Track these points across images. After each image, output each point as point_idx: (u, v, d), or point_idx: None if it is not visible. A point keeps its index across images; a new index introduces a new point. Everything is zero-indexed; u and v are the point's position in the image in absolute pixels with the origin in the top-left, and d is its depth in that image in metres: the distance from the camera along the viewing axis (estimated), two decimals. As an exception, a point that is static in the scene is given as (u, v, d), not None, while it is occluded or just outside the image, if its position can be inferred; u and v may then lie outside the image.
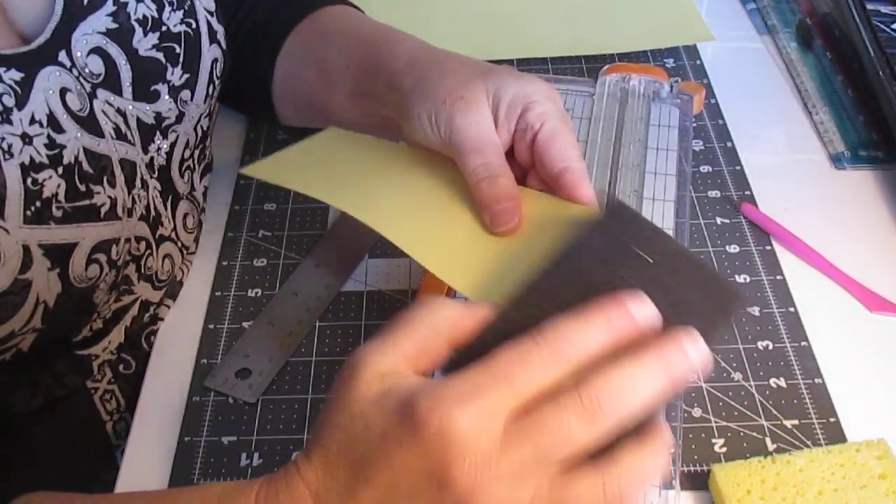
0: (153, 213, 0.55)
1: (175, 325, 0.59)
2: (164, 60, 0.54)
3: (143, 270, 0.56)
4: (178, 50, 0.55)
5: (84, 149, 0.48)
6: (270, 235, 0.65)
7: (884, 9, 0.80)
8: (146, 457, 0.52)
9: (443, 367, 0.36)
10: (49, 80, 0.46)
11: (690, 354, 0.35)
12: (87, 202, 0.47)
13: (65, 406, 0.55)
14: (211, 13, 0.58)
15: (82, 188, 0.47)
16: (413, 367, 0.35)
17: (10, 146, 0.43)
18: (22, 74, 0.45)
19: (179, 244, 0.60)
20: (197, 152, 0.60)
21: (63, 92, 0.47)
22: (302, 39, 0.63)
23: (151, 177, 0.55)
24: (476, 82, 0.49)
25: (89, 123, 0.49)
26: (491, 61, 0.77)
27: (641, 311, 0.36)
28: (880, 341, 0.56)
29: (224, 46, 0.59)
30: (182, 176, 0.59)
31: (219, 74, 0.59)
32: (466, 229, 0.47)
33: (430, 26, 0.84)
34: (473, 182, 0.47)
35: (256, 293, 0.61)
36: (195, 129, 0.58)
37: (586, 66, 0.79)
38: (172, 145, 0.56)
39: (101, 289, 0.50)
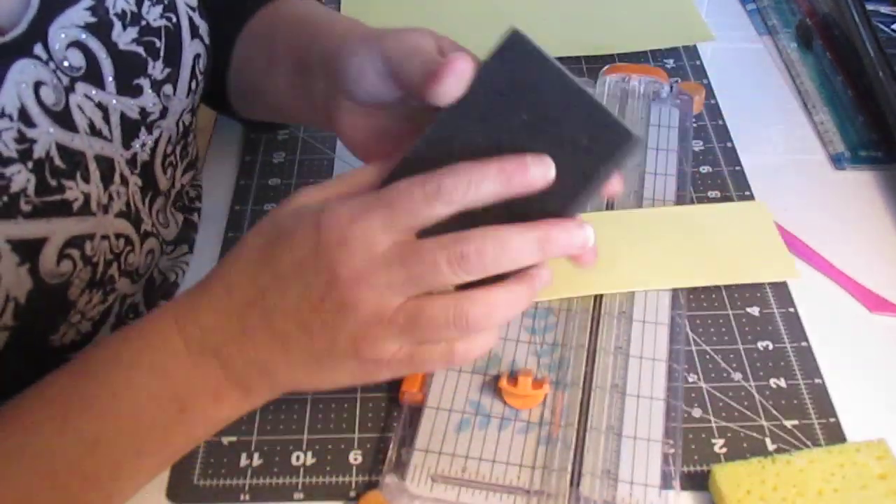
0: (133, 209, 0.55)
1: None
2: (144, 54, 0.54)
3: (123, 267, 0.56)
4: (158, 44, 0.55)
5: (57, 144, 0.47)
6: (270, 236, 0.65)
7: (884, 9, 0.81)
8: (146, 457, 0.52)
9: None
10: (23, 72, 0.46)
11: (574, 237, 0.40)
12: (58, 197, 0.47)
13: None
14: (193, 8, 0.58)
15: (53, 183, 0.47)
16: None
17: None
18: None
19: (160, 239, 0.60)
20: (179, 148, 0.60)
21: (37, 85, 0.47)
22: (257, 27, 0.63)
23: (133, 173, 0.54)
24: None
25: (63, 118, 0.48)
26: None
27: (542, 172, 0.40)
28: (880, 341, 0.56)
29: (207, 42, 0.59)
30: (165, 172, 0.59)
31: (201, 69, 0.59)
32: None
33: (431, 26, 0.84)
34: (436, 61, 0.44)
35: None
36: (177, 124, 0.58)
37: (586, 67, 0.79)
38: (156, 141, 0.56)
39: (76, 285, 0.50)
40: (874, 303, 0.58)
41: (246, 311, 0.42)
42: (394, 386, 0.54)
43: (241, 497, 0.49)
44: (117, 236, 0.53)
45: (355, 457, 0.51)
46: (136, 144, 0.54)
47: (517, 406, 0.51)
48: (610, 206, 0.62)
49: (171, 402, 0.43)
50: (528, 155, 0.40)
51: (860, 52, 0.72)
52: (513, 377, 0.51)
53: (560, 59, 0.80)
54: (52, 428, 0.41)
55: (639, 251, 0.59)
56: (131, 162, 0.54)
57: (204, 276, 0.45)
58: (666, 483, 0.48)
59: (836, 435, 0.51)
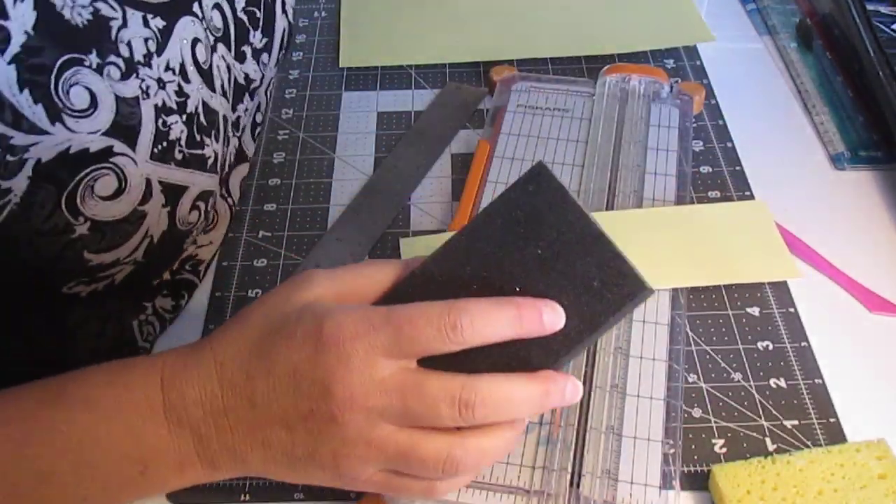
0: (225, 170, 0.58)
1: (175, 326, 0.59)
2: (247, 23, 0.57)
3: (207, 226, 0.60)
4: (258, 14, 0.58)
5: (203, 101, 0.51)
6: (270, 236, 0.65)
7: (884, 9, 0.80)
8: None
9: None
10: (186, 29, 0.50)
11: (568, 395, 0.41)
12: (199, 152, 0.51)
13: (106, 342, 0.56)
14: None
15: (198, 138, 0.51)
16: (341, 301, 0.41)
17: (148, 87, 0.48)
18: (164, 23, 0.49)
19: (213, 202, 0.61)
20: (259, 115, 0.63)
21: (195, 42, 0.51)
22: None
23: (234, 135, 0.58)
24: None
25: (208, 77, 0.52)
26: (492, 62, 0.78)
27: (553, 321, 0.39)
28: (880, 341, 0.56)
29: (290, 19, 0.63)
30: (253, 138, 0.62)
31: (285, 43, 0.63)
32: None
33: (431, 27, 0.84)
34: None
35: (256, 294, 0.61)
36: (266, 92, 0.61)
37: (586, 67, 0.79)
38: (256, 107, 0.60)
39: (193, 235, 0.54)
40: (874, 303, 0.58)
41: (232, 397, 0.40)
42: (394, 386, 0.54)
43: (241, 497, 0.49)
44: (215, 194, 0.57)
45: (355, 457, 0.50)
46: (241, 109, 0.58)
47: (517, 406, 0.51)
48: (610, 206, 0.62)
49: (135, 462, 0.41)
50: (543, 302, 0.39)
51: (860, 52, 0.72)
52: (513, 377, 0.51)
53: (560, 59, 0.81)
54: (7, 450, 0.40)
55: (639, 251, 0.59)
56: (235, 125, 0.57)
57: (200, 339, 0.43)
58: (666, 483, 0.48)
59: (836, 435, 0.51)
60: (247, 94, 0.58)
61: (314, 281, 0.42)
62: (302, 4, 0.89)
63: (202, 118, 0.52)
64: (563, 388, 0.40)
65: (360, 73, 0.79)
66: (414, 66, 0.80)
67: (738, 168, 0.68)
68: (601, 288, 0.39)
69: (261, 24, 0.59)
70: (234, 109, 0.57)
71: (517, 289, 0.40)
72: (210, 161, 0.53)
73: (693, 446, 0.50)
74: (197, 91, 0.51)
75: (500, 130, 0.69)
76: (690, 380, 0.54)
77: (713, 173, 0.68)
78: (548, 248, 0.39)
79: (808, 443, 0.50)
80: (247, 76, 0.58)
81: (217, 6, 0.54)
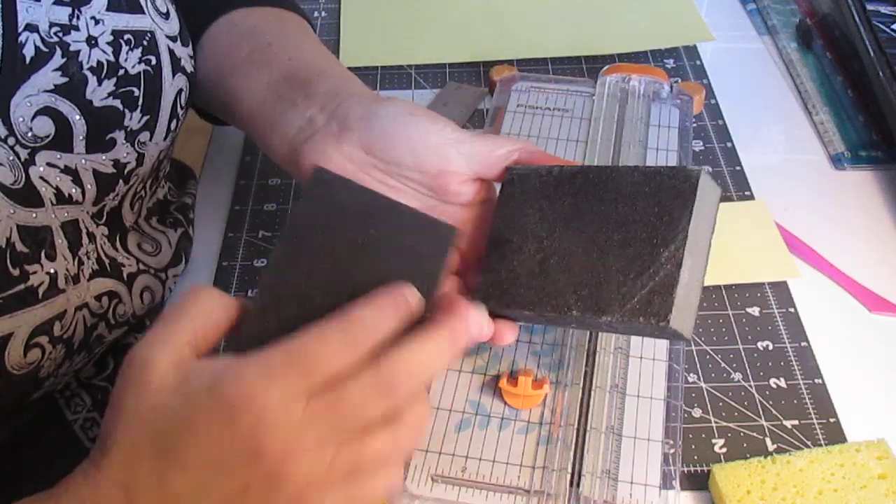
0: (108, 260, 0.52)
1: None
2: (121, 107, 0.50)
3: (114, 322, 0.53)
4: (136, 93, 0.51)
5: (18, 226, 0.44)
6: (270, 236, 0.65)
7: (884, 9, 0.80)
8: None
9: (225, 345, 0.39)
10: None
11: (472, 326, 0.40)
12: (21, 287, 0.44)
13: (44, 439, 0.54)
14: (174, 38, 0.54)
15: (15, 273, 0.44)
16: (197, 352, 0.37)
17: None
18: None
19: (153, 272, 0.57)
20: (150, 181, 0.57)
21: None
22: (252, 16, 0.62)
23: (98, 224, 0.51)
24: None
25: (24, 195, 0.45)
26: (492, 62, 0.78)
27: (413, 297, 0.39)
28: (880, 341, 0.56)
29: (190, 69, 0.56)
30: (132, 208, 0.56)
31: (183, 104, 0.55)
32: None
33: (431, 27, 0.84)
34: None
35: (256, 293, 0.60)
36: (152, 165, 0.55)
37: (586, 67, 0.79)
38: (129, 188, 0.53)
39: (47, 366, 0.47)
40: (874, 303, 0.58)
41: None
42: (394, 386, 0.54)
43: None
44: (98, 297, 0.51)
45: (355, 457, 0.50)
46: (109, 198, 0.51)
47: (517, 406, 0.51)
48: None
49: None
50: (396, 284, 0.39)
51: (860, 52, 0.72)
52: (513, 377, 0.51)
53: (560, 59, 0.81)
54: None
55: None
56: (97, 215, 0.51)
57: (84, 470, 0.37)
58: (666, 483, 0.48)
59: (836, 435, 0.51)
60: (120, 180, 0.51)
61: (156, 355, 0.36)
62: (303, 4, 0.89)
63: (19, 246, 0.44)
64: (468, 319, 0.39)
65: (361, 73, 0.79)
66: (414, 66, 0.80)
67: (738, 168, 0.68)
68: (421, 245, 0.41)
69: (140, 102, 0.51)
70: (98, 202, 0.50)
71: (360, 282, 0.40)
72: (43, 287, 0.45)
73: (693, 446, 0.50)
74: (7, 219, 0.43)
75: (500, 130, 0.69)
76: (690, 380, 0.54)
77: (713, 173, 0.68)
78: (364, 235, 0.41)
79: (808, 443, 0.50)
80: (116, 162, 0.50)
81: (46, 110, 0.46)
